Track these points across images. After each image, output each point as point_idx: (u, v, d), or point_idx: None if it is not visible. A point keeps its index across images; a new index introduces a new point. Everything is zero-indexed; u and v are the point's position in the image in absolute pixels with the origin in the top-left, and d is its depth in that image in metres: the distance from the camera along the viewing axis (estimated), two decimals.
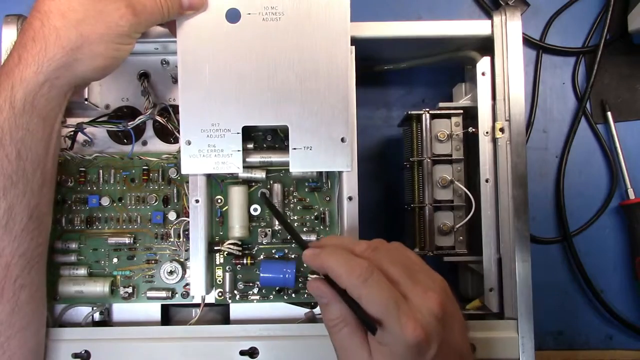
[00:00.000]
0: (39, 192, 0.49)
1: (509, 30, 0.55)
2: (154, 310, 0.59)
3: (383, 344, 0.39)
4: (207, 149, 0.52)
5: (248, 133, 0.58)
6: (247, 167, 0.57)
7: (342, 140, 0.52)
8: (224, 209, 0.57)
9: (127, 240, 0.58)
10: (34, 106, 0.46)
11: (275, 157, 0.56)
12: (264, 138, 0.58)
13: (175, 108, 0.59)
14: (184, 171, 0.52)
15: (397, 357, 0.39)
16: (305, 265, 0.58)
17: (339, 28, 0.51)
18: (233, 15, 0.51)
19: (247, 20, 0.51)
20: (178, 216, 0.58)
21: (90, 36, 0.46)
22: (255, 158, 0.56)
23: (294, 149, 0.52)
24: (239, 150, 0.52)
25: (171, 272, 0.58)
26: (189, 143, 0.52)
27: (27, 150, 0.47)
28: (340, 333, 0.41)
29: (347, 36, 0.52)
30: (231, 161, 0.52)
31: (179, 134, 0.57)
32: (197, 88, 0.51)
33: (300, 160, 0.52)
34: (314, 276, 0.49)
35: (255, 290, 0.57)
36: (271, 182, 0.58)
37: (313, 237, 0.57)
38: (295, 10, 0.51)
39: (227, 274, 0.57)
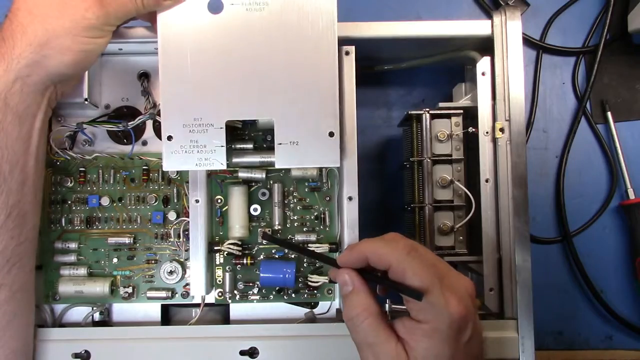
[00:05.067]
0: (19, 190, 0.48)
1: (509, 30, 0.55)
2: (154, 310, 0.59)
3: (423, 322, 0.39)
4: (189, 145, 0.50)
5: (247, 133, 0.58)
6: (247, 167, 0.57)
7: (331, 134, 0.50)
8: (224, 209, 0.57)
9: (127, 240, 0.58)
10: (7, 104, 0.46)
11: (275, 157, 0.56)
12: (264, 138, 0.58)
13: None
14: (166, 168, 0.50)
15: (437, 335, 0.38)
16: (305, 264, 0.58)
17: (326, 18, 0.49)
18: (215, 6, 0.49)
19: (230, 10, 0.49)
20: (178, 216, 0.58)
21: (56, 30, 0.45)
22: (255, 158, 0.56)
23: (280, 144, 0.50)
24: (222, 146, 0.50)
25: (171, 272, 0.58)
26: (170, 138, 0.50)
27: (2, 148, 0.46)
28: (363, 324, 0.40)
29: (334, 25, 0.50)
30: (215, 157, 0.50)
31: None
32: (179, 81, 0.50)
33: (286, 156, 0.50)
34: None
35: (255, 290, 0.57)
36: (271, 182, 0.58)
37: (313, 237, 0.57)
38: (279, 0, 0.49)
39: (227, 274, 0.57)
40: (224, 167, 0.51)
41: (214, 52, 0.50)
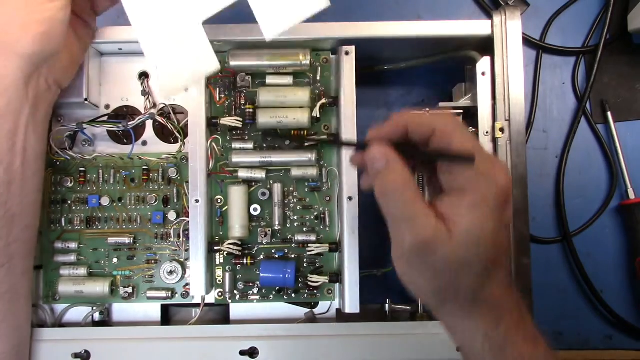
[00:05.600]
0: (5, 191, 0.47)
1: (509, 30, 0.55)
2: (153, 310, 0.59)
3: (469, 191, 0.35)
4: (178, 63, 0.47)
5: (247, 133, 0.58)
6: (247, 167, 0.57)
7: None
8: (224, 209, 0.57)
9: (127, 240, 0.58)
10: None
11: (275, 157, 0.57)
12: (264, 138, 0.58)
13: (176, 108, 0.59)
14: (165, 95, 0.48)
15: (483, 206, 0.35)
16: (305, 264, 0.58)
17: None
18: None
19: None
20: (178, 216, 0.58)
21: (7, 11, 0.45)
22: (255, 158, 0.57)
23: (263, 10, 0.45)
24: (207, 48, 0.46)
25: (171, 272, 0.58)
26: (159, 64, 0.47)
27: None
28: (402, 197, 0.36)
29: None
30: (206, 63, 0.46)
31: (179, 134, 0.58)
32: (144, 8, 0.46)
33: (273, 21, 0.45)
34: None
35: (255, 290, 0.57)
36: (271, 182, 0.58)
37: (313, 237, 0.57)
38: None
39: (227, 274, 0.57)
40: (218, 67, 0.47)
41: None
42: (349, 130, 0.55)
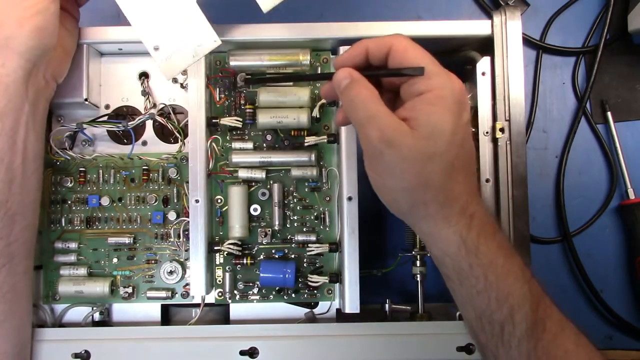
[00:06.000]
0: (6, 189, 0.47)
1: (509, 30, 0.55)
2: (154, 310, 0.59)
3: (425, 91, 0.38)
4: (176, 43, 0.47)
5: (248, 133, 0.58)
6: (247, 167, 0.57)
7: None
8: (224, 209, 0.57)
9: (127, 240, 0.58)
10: None
11: (275, 157, 0.57)
12: (264, 138, 0.58)
13: (176, 108, 0.59)
14: (168, 76, 0.47)
15: (440, 102, 0.38)
16: (305, 264, 0.58)
17: None
18: None
19: None
20: (178, 216, 0.58)
21: (1, 8, 0.45)
22: (255, 158, 0.57)
23: None
24: (204, 23, 0.47)
25: (171, 272, 0.58)
26: (157, 49, 0.47)
27: None
28: (365, 98, 0.39)
29: None
30: (204, 38, 0.47)
31: (179, 134, 0.58)
32: None
33: None
34: None
35: (255, 290, 0.57)
36: (271, 182, 0.58)
37: (313, 237, 0.57)
38: None
39: (227, 274, 0.57)
40: (218, 42, 0.48)
41: None
42: (349, 130, 0.55)
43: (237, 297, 0.57)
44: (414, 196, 0.39)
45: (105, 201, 0.58)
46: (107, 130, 0.59)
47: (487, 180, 0.56)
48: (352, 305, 0.54)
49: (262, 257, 0.58)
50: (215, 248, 0.56)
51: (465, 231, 0.39)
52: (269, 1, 0.46)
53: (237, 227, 0.56)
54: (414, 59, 0.40)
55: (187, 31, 0.47)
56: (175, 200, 0.58)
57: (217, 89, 0.58)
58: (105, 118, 0.58)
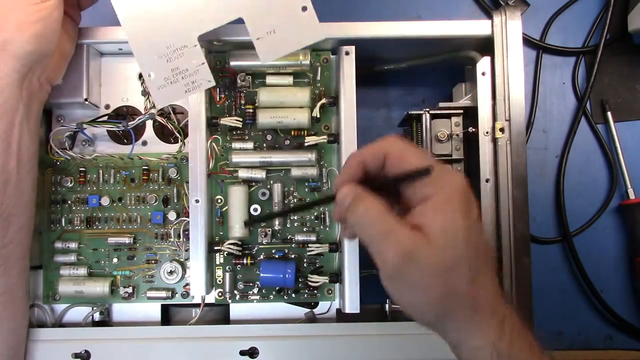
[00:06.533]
0: (1, 191, 0.47)
1: (509, 30, 0.55)
2: (154, 310, 0.59)
3: (432, 195, 0.37)
4: (171, 75, 0.47)
5: (248, 133, 0.58)
6: (247, 167, 0.57)
7: (303, 9, 0.46)
8: (224, 209, 0.57)
9: (127, 240, 0.58)
10: None
11: (275, 157, 0.56)
12: (264, 138, 0.58)
13: (176, 108, 0.59)
14: (159, 105, 0.47)
15: (449, 206, 0.36)
16: (305, 264, 0.58)
17: None
18: None
19: None
20: (178, 216, 0.58)
21: (4, 12, 0.45)
22: (255, 158, 0.56)
23: (258, 39, 0.47)
24: (203, 63, 0.47)
25: (171, 272, 0.58)
26: (150, 75, 0.47)
27: None
28: (374, 216, 0.37)
29: None
30: (200, 78, 0.47)
31: (179, 134, 0.58)
32: (139, 12, 0.47)
33: (269, 49, 0.46)
34: None
35: (255, 290, 0.57)
36: (271, 182, 0.58)
37: (313, 237, 0.57)
38: None
39: (227, 274, 0.57)
40: (212, 83, 0.48)
41: None
42: (349, 130, 0.55)
43: (237, 297, 0.57)
44: (441, 308, 0.37)
45: (105, 201, 0.58)
46: (107, 130, 0.59)
47: (487, 180, 0.56)
48: (352, 305, 0.54)
49: (262, 257, 0.58)
50: (215, 248, 0.56)
51: (497, 339, 0.37)
52: (268, 55, 0.47)
53: (237, 227, 0.56)
54: (413, 161, 0.38)
55: (184, 67, 0.47)
56: (175, 200, 0.58)
57: (217, 89, 0.58)
58: (105, 118, 0.58)
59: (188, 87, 0.47)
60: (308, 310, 0.58)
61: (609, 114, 0.69)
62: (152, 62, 0.47)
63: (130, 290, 0.58)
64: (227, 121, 0.56)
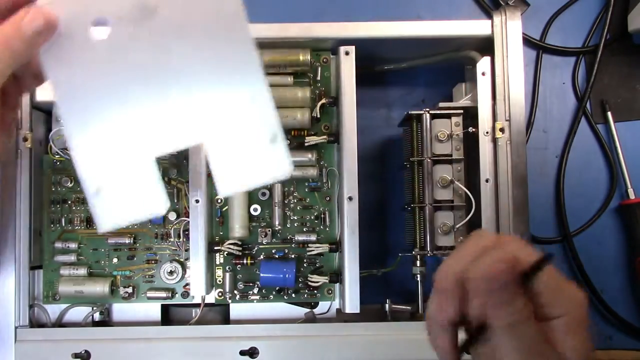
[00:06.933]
0: None
1: (509, 30, 0.55)
2: (154, 310, 0.59)
3: (560, 315, 0.36)
4: (122, 195, 0.39)
5: None
6: None
7: (273, 140, 0.39)
8: (224, 209, 0.57)
9: (127, 240, 0.58)
10: None
11: None
12: None
13: None
14: (101, 228, 0.38)
15: (577, 324, 0.36)
16: (305, 264, 0.58)
17: (228, 6, 0.37)
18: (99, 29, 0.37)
19: (117, 29, 0.37)
20: (178, 216, 0.58)
21: None
22: None
23: (217, 169, 0.39)
24: (157, 187, 0.39)
25: (171, 272, 0.58)
26: (98, 192, 0.39)
27: None
28: (530, 328, 0.35)
29: (242, 13, 0.37)
30: (153, 202, 0.39)
31: None
32: (87, 128, 0.39)
33: (229, 181, 0.39)
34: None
35: (255, 290, 0.57)
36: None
37: (313, 237, 0.57)
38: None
39: (227, 274, 0.57)
40: (165, 211, 0.40)
41: (113, 83, 0.38)
42: (349, 130, 0.55)
43: (237, 297, 0.57)
44: None
45: None
46: None
47: (487, 180, 0.56)
48: (352, 305, 0.54)
49: (262, 257, 0.58)
50: (215, 248, 0.56)
51: None
52: (226, 189, 0.41)
53: (237, 227, 0.56)
54: (529, 257, 0.35)
55: (137, 189, 0.39)
56: (175, 200, 0.58)
57: None
58: None
59: (138, 213, 0.39)
60: (308, 310, 0.58)
61: (609, 114, 0.69)
62: (100, 178, 0.39)
63: (130, 290, 0.58)
64: None
